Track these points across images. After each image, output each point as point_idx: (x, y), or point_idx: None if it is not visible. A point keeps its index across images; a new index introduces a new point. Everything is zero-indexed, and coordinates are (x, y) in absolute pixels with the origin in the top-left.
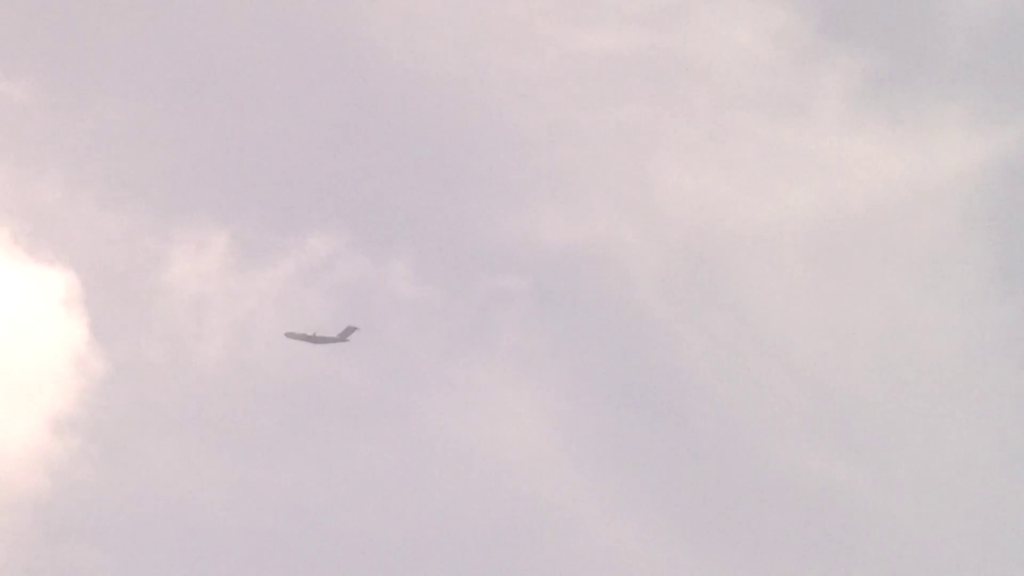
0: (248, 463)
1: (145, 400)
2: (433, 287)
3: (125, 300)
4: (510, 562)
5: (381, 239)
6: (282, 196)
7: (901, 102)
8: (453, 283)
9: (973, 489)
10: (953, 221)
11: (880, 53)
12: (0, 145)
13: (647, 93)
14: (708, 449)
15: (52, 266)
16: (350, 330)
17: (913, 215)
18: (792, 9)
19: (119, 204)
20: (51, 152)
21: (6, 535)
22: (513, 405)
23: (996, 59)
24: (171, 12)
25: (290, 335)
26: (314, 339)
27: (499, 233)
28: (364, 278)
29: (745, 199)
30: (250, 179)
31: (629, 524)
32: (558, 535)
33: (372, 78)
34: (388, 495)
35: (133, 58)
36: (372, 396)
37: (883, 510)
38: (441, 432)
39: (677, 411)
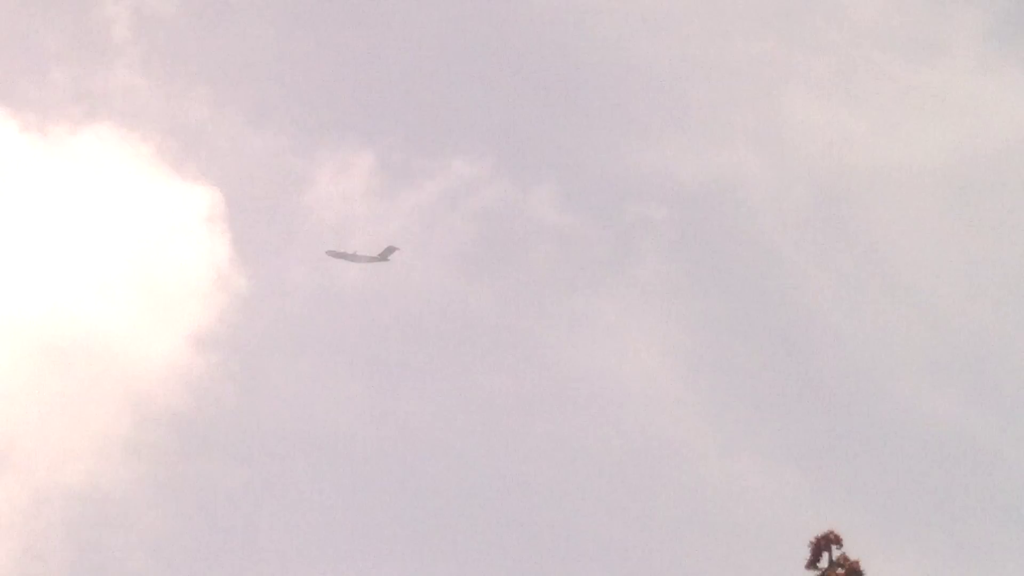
0: (378, 384)
1: (285, 319)
2: (575, 214)
3: (268, 219)
4: (629, 495)
5: (525, 165)
6: (426, 120)
7: None
8: (596, 210)
9: None
10: None
11: None
12: (148, 62)
13: (780, 28)
14: (832, 389)
15: (197, 183)
16: (390, 250)
17: None
18: None
19: (265, 123)
20: (199, 70)
21: (147, 449)
22: (639, 337)
23: None
24: None
25: (330, 253)
26: (354, 258)
27: (634, 165)
28: (507, 203)
29: (877, 138)
30: (395, 102)
31: (748, 460)
32: (677, 469)
33: (514, 10)
34: (509, 424)
35: None
36: (503, 324)
37: (1012, 456)
38: (566, 362)
39: (801, 349)
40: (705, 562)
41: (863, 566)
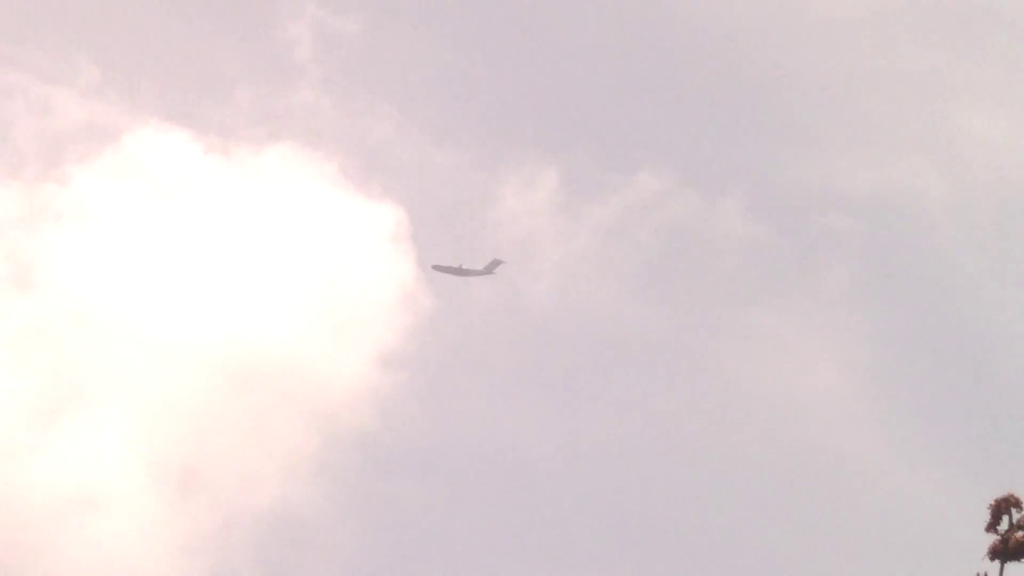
0: (559, 400)
1: (471, 337)
2: (761, 225)
3: (453, 236)
4: (808, 510)
5: (710, 178)
6: (611, 133)
7: None
8: (781, 221)
9: None
10: None
11: None
12: (330, 81)
13: (953, 40)
14: (1017, 405)
15: (381, 201)
16: (495, 263)
17: None
18: None
19: (449, 140)
20: (381, 88)
21: (335, 468)
22: (818, 351)
23: None
24: None
25: (437, 267)
26: (460, 271)
27: (814, 175)
28: (693, 215)
29: None
30: (579, 116)
31: (931, 477)
32: (858, 485)
33: (693, 24)
34: (686, 440)
35: None
36: (682, 338)
37: None
38: (745, 376)
39: (984, 367)
40: None
41: None
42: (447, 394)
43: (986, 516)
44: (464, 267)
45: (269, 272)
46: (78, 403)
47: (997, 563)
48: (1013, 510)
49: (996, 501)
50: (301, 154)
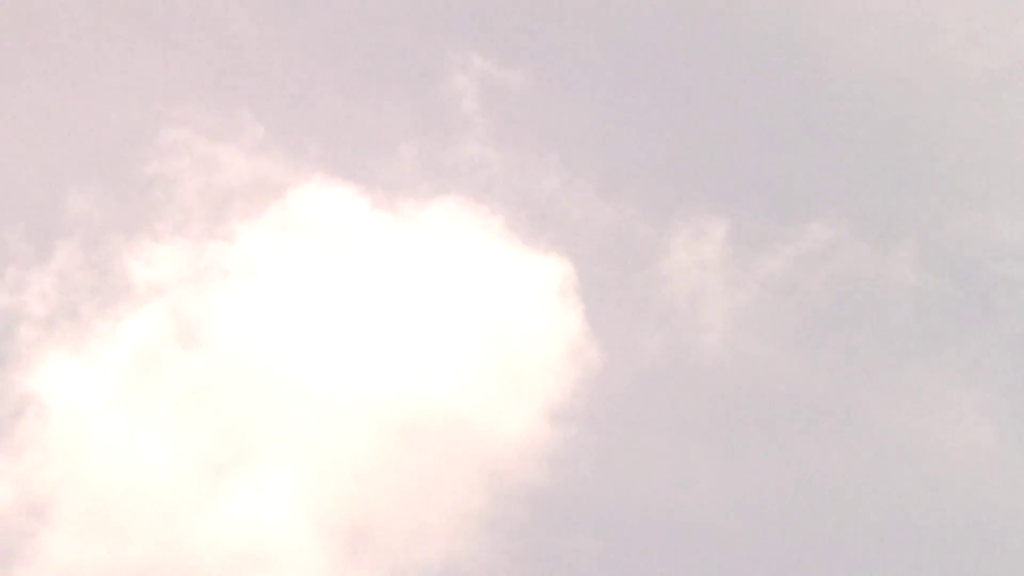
0: (729, 457)
1: (641, 392)
2: (935, 275)
3: (621, 290)
4: (961, 570)
5: (881, 226)
6: (780, 184)
7: None
8: (955, 270)
9: None
10: None
11: None
12: (496, 133)
13: None
14: None
15: (547, 255)
16: None
17: None
18: None
19: (616, 193)
20: (548, 140)
21: (504, 524)
22: (979, 406)
23: None
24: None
25: None
26: None
27: (985, 225)
28: (865, 266)
29: None
30: (748, 167)
31: None
32: (1014, 549)
33: (846, 79)
34: (839, 499)
35: (624, 45)
36: (849, 395)
37: None
38: (904, 434)
39: None
40: None
41: None
42: (616, 449)
43: None
44: None
45: (435, 327)
46: (245, 460)
47: None
48: None
49: None
50: (467, 208)
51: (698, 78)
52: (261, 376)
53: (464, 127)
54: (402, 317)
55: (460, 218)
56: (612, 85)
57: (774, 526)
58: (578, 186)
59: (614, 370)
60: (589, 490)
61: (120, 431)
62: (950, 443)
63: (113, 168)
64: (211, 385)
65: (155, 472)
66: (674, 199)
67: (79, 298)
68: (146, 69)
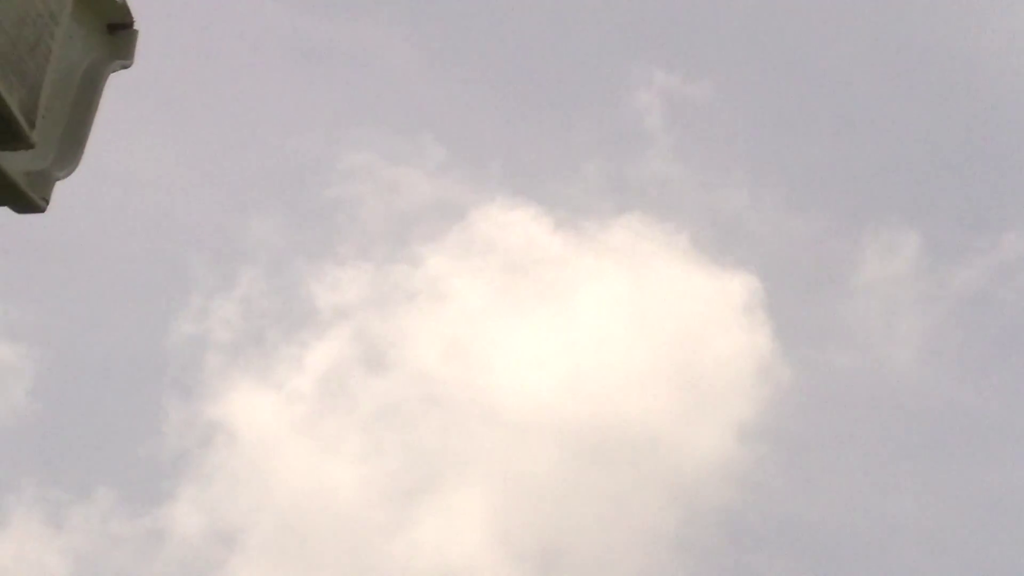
0: (924, 475)
1: (832, 409)
2: None
3: (810, 306)
4: None
5: None
6: (973, 193)
7: None
8: None
9: None
10: None
11: None
12: (681, 149)
13: None
14: None
15: (734, 272)
16: None
17: None
18: None
19: (804, 207)
20: (735, 155)
21: (696, 543)
22: None
23: None
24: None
25: None
26: None
27: None
28: None
29: None
30: (938, 177)
31: None
32: None
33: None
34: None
35: (808, 58)
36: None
37: None
38: None
39: None
40: None
41: None
42: (809, 467)
43: None
44: None
45: (621, 345)
46: (435, 483)
47: None
48: None
49: None
50: (651, 225)
51: (887, 89)
52: (448, 399)
53: (648, 144)
54: (589, 337)
55: (644, 236)
56: (798, 97)
57: (968, 546)
58: (765, 200)
59: (804, 387)
60: (780, 508)
61: (308, 457)
62: None
63: (295, 193)
64: (398, 409)
65: (344, 498)
66: (864, 211)
67: (264, 324)
68: (327, 94)
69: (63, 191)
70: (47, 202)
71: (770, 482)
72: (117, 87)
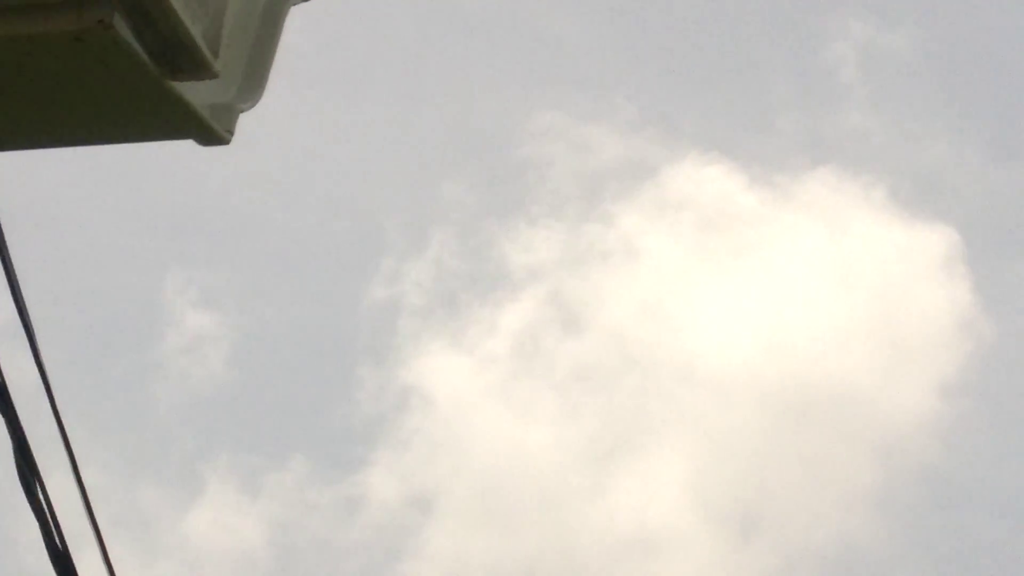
0: None
1: None
2: None
3: (1014, 259)
4: None
5: None
6: None
7: None
8: None
9: None
10: None
11: None
12: (878, 102)
13: None
14: None
15: (933, 225)
16: None
17: None
18: None
19: (1010, 156)
20: (934, 106)
21: (898, 502)
22: None
23: None
24: None
25: None
26: None
27: None
28: None
29: None
30: None
31: None
32: None
33: None
34: None
35: None
36: None
37: None
38: None
39: None
40: None
41: None
42: (1013, 423)
43: None
44: None
45: (819, 302)
46: (631, 445)
47: None
48: None
49: None
50: (847, 180)
51: None
52: (645, 360)
53: (844, 96)
54: (783, 294)
55: (840, 190)
56: (1000, 43)
57: None
58: (966, 151)
59: (1007, 342)
60: (985, 467)
61: (503, 421)
62: None
63: (486, 154)
64: (594, 371)
65: (540, 462)
66: None
67: (456, 286)
68: (516, 53)
69: (255, 158)
70: (231, 134)
71: (974, 440)
72: (304, 52)
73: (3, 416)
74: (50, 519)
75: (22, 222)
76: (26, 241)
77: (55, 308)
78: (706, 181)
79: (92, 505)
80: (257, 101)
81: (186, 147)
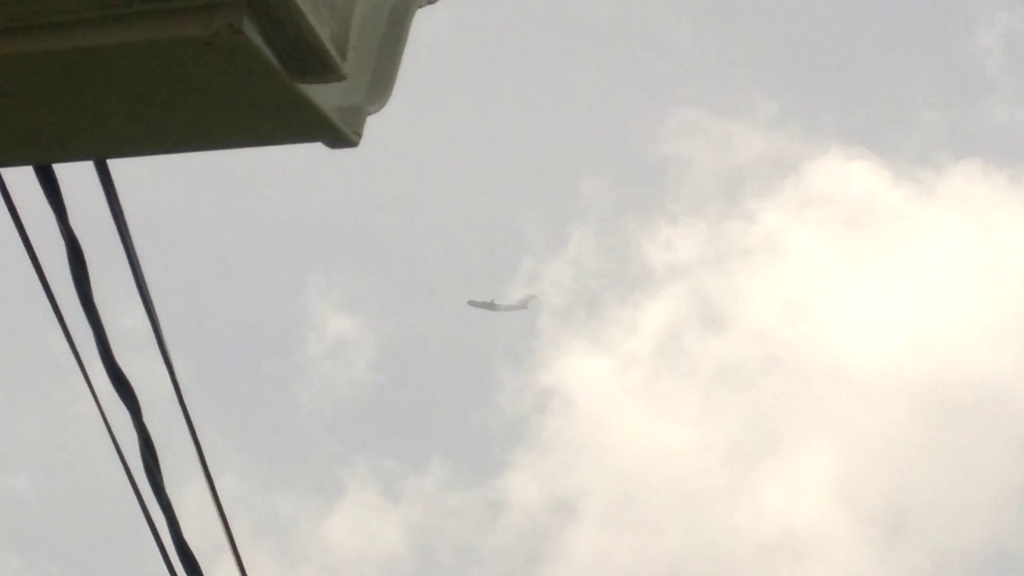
0: None
1: None
2: None
3: None
4: None
5: None
6: None
7: None
8: None
9: None
10: None
11: None
12: None
13: None
14: None
15: None
16: (528, 298)
17: None
18: None
19: None
20: None
21: None
22: None
23: None
24: None
25: (471, 303)
26: (492, 306)
27: None
28: None
29: None
30: None
31: None
32: None
33: None
34: None
35: None
36: None
37: None
38: None
39: None
40: None
41: None
42: None
43: None
44: (495, 302)
45: (964, 299)
46: (776, 446)
47: None
48: None
49: None
50: (993, 173)
51: None
52: (789, 358)
53: (989, 88)
54: (933, 291)
55: (986, 184)
56: None
57: None
58: None
59: None
60: None
61: (645, 422)
62: None
63: (625, 152)
64: (737, 370)
65: (682, 463)
66: None
67: (596, 286)
68: (654, 53)
69: (390, 161)
70: (359, 136)
71: None
72: (438, 58)
73: (129, 411)
74: (172, 514)
75: (161, 228)
76: (166, 247)
77: (198, 315)
78: (849, 177)
79: (224, 509)
80: (385, 103)
81: (320, 154)
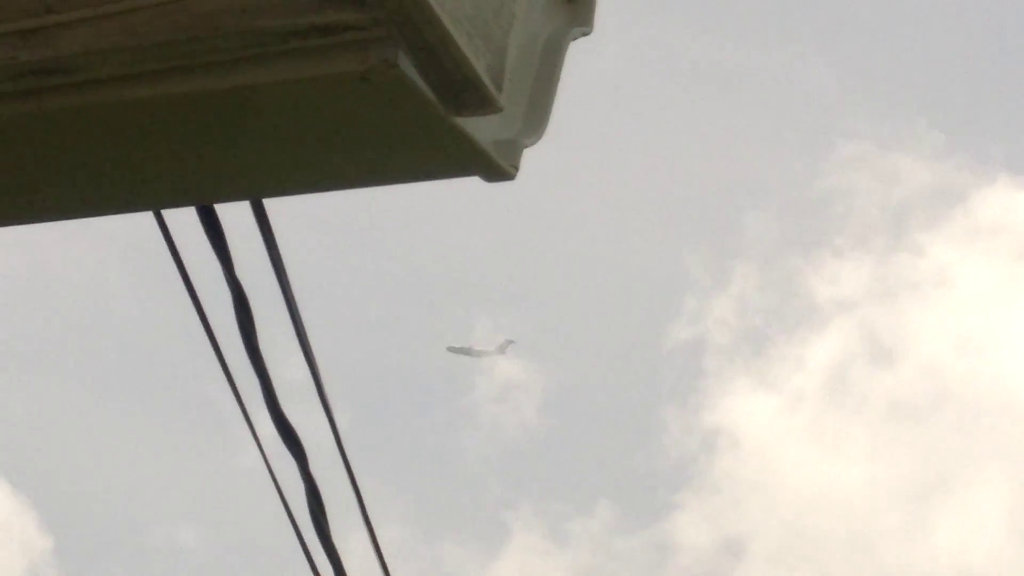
0: None
1: None
2: None
3: None
4: None
5: None
6: None
7: None
8: None
9: None
10: None
11: None
12: None
13: None
14: None
15: None
16: (507, 343)
17: None
18: None
19: None
20: None
21: None
22: None
23: None
24: None
25: (451, 349)
26: (471, 352)
27: None
28: None
29: None
30: None
31: None
32: None
33: None
34: None
35: None
36: None
37: None
38: None
39: None
40: None
41: None
42: None
43: None
44: (474, 348)
45: None
46: (950, 482)
47: None
48: None
49: None
50: None
51: None
52: (961, 392)
53: None
54: None
55: None
56: None
57: None
58: None
59: None
60: None
61: (814, 460)
62: None
63: (788, 185)
64: (908, 406)
65: (854, 500)
66: None
67: (761, 322)
68: (815, 84)
69: (546, 196)
70: (517, 169)
71: None
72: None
73: (296, 461)
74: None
75: (318, 270)
76: (324, 290)
77: (360, 362)
78: (1018, 206)
79: (386, 558)
80: (541, 136)
81: (474, 191)
